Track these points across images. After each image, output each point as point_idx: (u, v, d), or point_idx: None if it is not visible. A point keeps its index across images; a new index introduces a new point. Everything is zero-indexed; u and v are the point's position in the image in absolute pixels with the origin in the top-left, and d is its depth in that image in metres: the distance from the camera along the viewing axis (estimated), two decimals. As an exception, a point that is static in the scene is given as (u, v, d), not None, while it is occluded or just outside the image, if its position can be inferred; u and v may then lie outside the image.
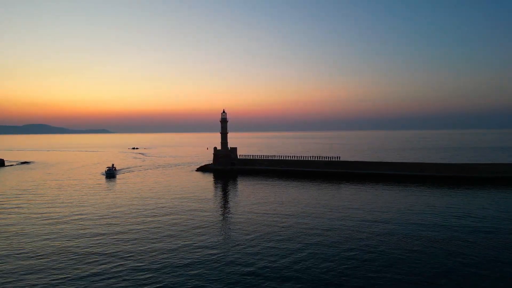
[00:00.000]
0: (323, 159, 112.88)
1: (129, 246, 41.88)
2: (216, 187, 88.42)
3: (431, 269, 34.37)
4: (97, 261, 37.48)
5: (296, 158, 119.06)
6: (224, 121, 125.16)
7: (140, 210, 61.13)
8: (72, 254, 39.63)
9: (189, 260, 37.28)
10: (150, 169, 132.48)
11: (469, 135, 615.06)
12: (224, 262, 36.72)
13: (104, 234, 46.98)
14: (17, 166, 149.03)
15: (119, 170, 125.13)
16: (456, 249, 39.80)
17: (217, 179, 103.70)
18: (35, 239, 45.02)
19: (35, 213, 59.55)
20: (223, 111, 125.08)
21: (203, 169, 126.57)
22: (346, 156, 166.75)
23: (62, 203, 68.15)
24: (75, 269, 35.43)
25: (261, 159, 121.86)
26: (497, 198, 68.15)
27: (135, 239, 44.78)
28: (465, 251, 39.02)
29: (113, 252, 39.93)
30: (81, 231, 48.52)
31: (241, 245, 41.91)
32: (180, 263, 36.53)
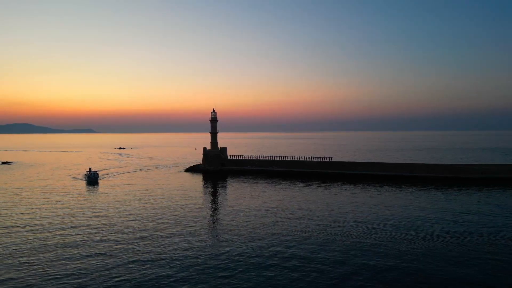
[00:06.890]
0: (314, 160, 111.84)
1: (117, 252, 39.72)
2: (205, 188, 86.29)
3: (424, 269, 33.23)
4: (82, 272, 35.18)
5: (287, 159, 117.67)
6: (214, 120, 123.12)
7: (129, 212, 58.82)
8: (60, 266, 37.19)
9: (179, 263, 35.46)
10: (137, 170, 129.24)
11: (460, 136, 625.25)
12: (214, 265, 35.08)
13: (88, 242, 44.66)
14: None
15: (102, 171, 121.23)
16: (449, 249, 38.93)
17: (206, 180, 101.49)
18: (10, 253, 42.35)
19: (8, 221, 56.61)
20: (213, 110, 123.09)
21: (192, 169, 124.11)
22: (338, 156, 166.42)
23: (35, 213, 64.80)
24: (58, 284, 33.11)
25: (252, 159, 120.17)
26: (487, 198, 67.84)
27: (124, 243, 42.63)
28: (457, 251, 38.08)
29: (97, 261, 37.73)
30: (67, 242, 45.98)
31: (233, 247, 40.37)
32: (170, 267, 34.65)
